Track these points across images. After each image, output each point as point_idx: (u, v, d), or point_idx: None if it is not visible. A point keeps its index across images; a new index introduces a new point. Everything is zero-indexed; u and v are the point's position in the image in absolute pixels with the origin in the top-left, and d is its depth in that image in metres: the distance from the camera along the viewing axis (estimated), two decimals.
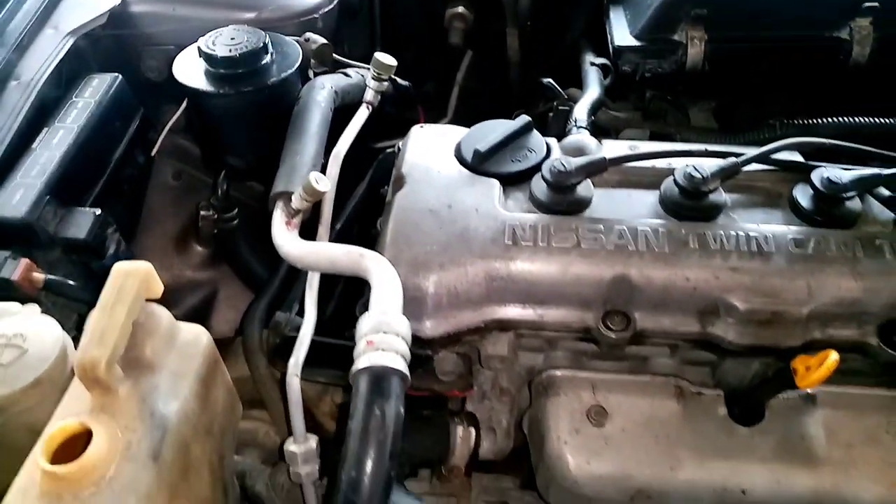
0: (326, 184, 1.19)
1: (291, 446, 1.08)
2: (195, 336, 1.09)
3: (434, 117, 2.02)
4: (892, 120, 1.54)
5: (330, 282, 1.40)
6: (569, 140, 1.38)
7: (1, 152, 1.32)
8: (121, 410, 0.95)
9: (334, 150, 1.26)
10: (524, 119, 1.36)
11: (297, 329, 1.17)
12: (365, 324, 1.01)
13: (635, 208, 1.28)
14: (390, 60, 1.42)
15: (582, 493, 1.19)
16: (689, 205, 1.25)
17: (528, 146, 1.35)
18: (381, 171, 1.59)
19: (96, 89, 1.47)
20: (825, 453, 1.20)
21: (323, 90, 1.46)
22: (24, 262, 1.18)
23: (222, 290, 1.58)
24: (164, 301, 1.04)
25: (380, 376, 0.95)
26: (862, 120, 1.55)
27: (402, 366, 0.97)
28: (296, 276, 1.50)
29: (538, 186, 1.28)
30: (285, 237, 1.18)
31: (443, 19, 2.12)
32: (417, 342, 1.16)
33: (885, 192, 1.29)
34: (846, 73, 1.64)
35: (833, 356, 1.08)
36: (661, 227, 1.23)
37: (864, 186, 1.27)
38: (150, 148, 1.55)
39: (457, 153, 1.37)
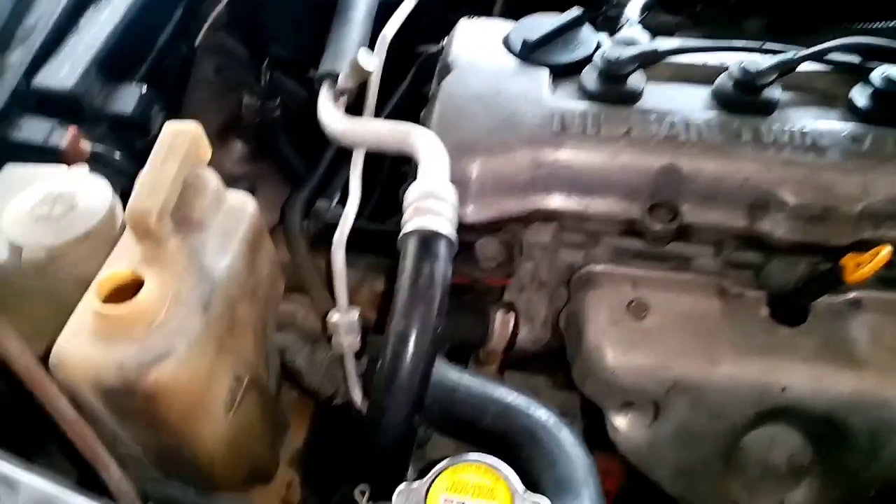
0: (374, 61, 1.17)
1: (334, 317, 1.09)
2: (242, 202, 1.09)
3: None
4: None
5: (371, 176, 1.39)
6: (621, 34, 1.34)
7: (49, 28, 1.31)
8: (171, 262, 0.96)
9: (381, 33, 1.23)
10: (576, 11, 1.33)
11: (338, 217, 1.17)
12: (413, 192, 1.01)
13: (687, 102, 1.24)
14: None
15: (619, 384, 1.19)
16: (744, 99, 1.22)
17: (579, 39, 1.32)
18: (424, 72, 1.56)
19: None
20: (868, 356, 1.19)
21: None
22: (72, 129, 1.18)
23: (261, 186, 1.57)
24: None
25: (428, 239, 0.95)
26: None
27: (450, 231, 0.97)
28: (336, 169, 1.49)
29: (589, 77, 1.25)
30: (331, 113, 1.17)
31: None
32: (459, 227, 1.15)
33: None
34: None
35: (887, 249, 1.06)
36: (714, 119, 1.20)
37: None
38: (194, 40, 1.54)
39: (505, 44, 1.34)
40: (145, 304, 0.89)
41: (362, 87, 1.24)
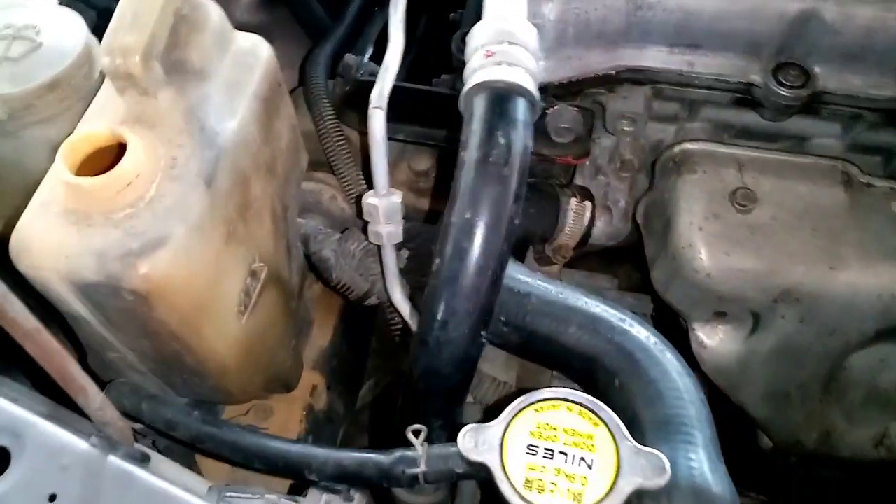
0: None
1: (371, 198, 0.87)
2: (253, 45, 0.84)
3: None
4: None
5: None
6: None
7: None
8: (163, 120, 0.73)
9: None
10: None
11: (373, 74, 0.92)
12: (480, 32, 0.76)
13: None
14: None
15: (714, 290, 0.98)
16: None
17: None
18: None
19: None
20: None
21: None
22: None
23: (277, 39, 1.30)
24: None
25: (503, 96, 0.71)
26: None
27: (532, 85, 0.73)
28: (367, 17, 1.22)
29: None
30: None
31: None
32: None
33: None
34: None
35: None
36: None
37: None
38: None
39: None
40: (128, 175, 0.67)
41: None
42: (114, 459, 0.60)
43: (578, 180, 1.07)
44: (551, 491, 0.56)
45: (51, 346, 0.57)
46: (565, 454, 0.58)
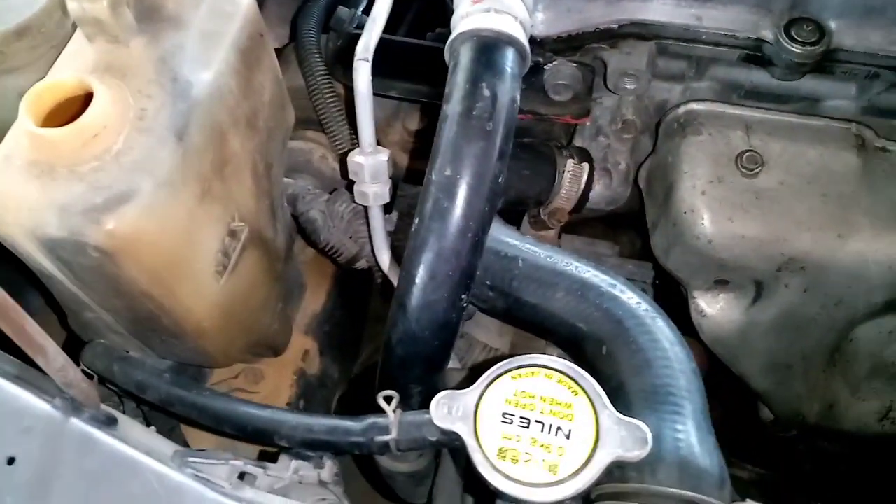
0: None
1: (357, 157, 0.83)
2: None
3: None
4: None
5: None
6: None
7: None
8: (133, 70, 0.70)
9: None
10: None
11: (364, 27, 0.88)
12: None
13: None
14: None
15: (716, 257, 0.94)
16: None
17: None
18: None
19: None
20: None
21: None
22: None
23: None
24: None
25: (490, 45, 0.67)
26: None
27: (521, 35, 0.68)
28: None
29: None
30: None
31: None
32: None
33: None
34: None
35: None
36: None
37: None
38: None
39: None
40: (94, 125, 0.64)
41: None
42: (76, 422, 0.58)
43: (578, 141, 1.02)
44: (526, 461, 0.53)
45: (5, 303, 0.54)
46: (542, 423, 0.55)
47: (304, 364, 1.17)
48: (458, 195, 0.62)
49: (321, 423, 0.62)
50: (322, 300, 1.22)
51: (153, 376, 0.68)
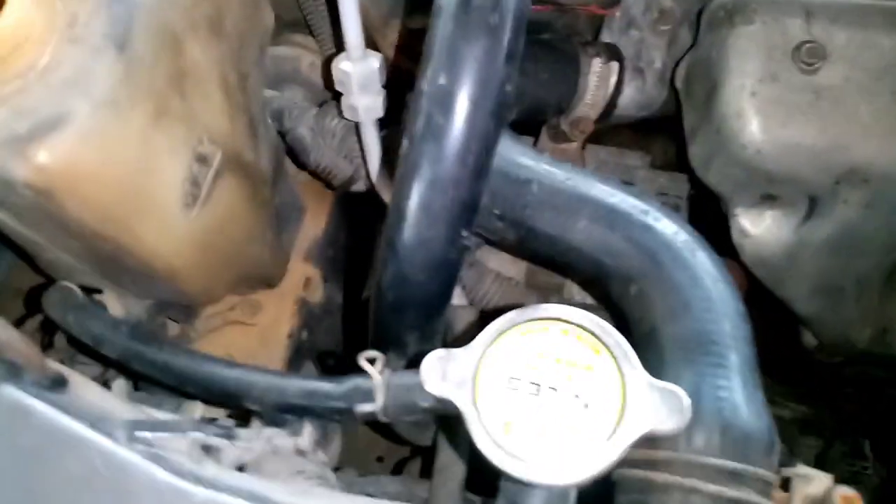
0: None
1: (344, 64, 0.71)
2: None
3: None
4: None
5: None
6: None
7: None
8: None
9: None
10: None
11: None
12: None
13: None
14: None
15: (765, 169, 0.81)
16: None
17: None
18: None
19: None
20: None
21: None
22: None
23: None
24: None
25: None
26: None
27: None
28: None
29: None
30: None
31: None
32: None
33: None
34: None
35: None
36: None
37: None
38: None
39: None
40: (14, 34, 0.53)
41: None
42: (10, 390, 0.50)
43: (605, 36, 0.88)
44: (537, 437, 0.44)
45: None
46: (556, 390, 0.45)
47: (305, 293, 1.08)
48: (455, 109, 0.50)
49: (296, 386, 0.53)
50: (323, 223, 1.12)
51: (110, 328, 0.60)
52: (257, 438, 0.51)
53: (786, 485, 0.53)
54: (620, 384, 0.45)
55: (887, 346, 1.00)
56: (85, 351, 0.66)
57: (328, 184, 0.92)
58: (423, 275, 0.55)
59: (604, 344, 0.46)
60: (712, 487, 0.48)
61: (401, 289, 0.56)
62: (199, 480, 0.45)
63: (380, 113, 0.75)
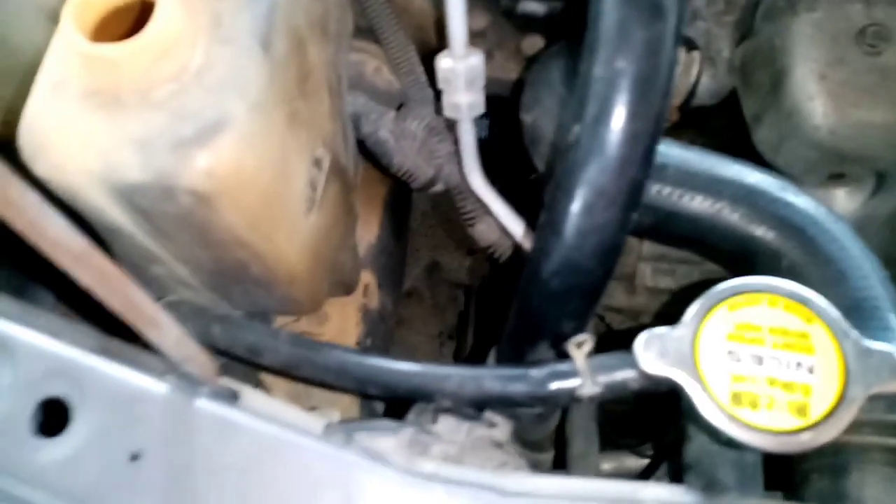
0: None
1: (448, 62, 0.71)
2: None
3: None
4: None
5: None
6: None
7: None
8: None
9: None
10: None
11: None
12: None
13: None
14: None
15: (837, 149, 0.84)
16: None
17: None
18: None
19: None
20: None
21: None
22: None
23: None
24: None
25: None
26: None
27: None
28: None
29: None
30: None
31: None
32: None
33: None
34: None
35: None
36: None
37: None
38: None
39: None
40: (165, 35, 0.51)
41: None
42: (203, 402, 0.48)
43: None
44: (767, 406, 0.45)
45: (107, 270, 0.43)
46: (777, 359, 0.46)
47: (365, 299, 1.07)
48: (633, 92, 0.51)
49: (493, 375, 0.52)
50: (375, 230, 1.11)
51: (269, 337, 0.58)
52: (459, 432, 0.50)
53: None
54: (837, 349, 0.46)
55: None
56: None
57: (398, 185, 0.91)
58: (593, 261, 0.55)
59: (813, 312, 0.47)
60: None
61: (568, 276, 0.56)
62: (430, 478, 0.44)
63: (481, 109, 0.75)
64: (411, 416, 0.51)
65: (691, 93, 0.86)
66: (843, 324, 0.47)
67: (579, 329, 0.61)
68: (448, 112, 0.75)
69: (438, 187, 0.89)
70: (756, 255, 0.61)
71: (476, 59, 0.72)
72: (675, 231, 0.64)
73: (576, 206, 0.53)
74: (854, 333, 0.47)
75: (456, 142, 0.82)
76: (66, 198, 0.56)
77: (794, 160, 0.89)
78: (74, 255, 0.41)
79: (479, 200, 0.87)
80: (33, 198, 0.38)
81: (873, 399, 0.50)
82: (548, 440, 0.79)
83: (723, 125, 0.99)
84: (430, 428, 0.50)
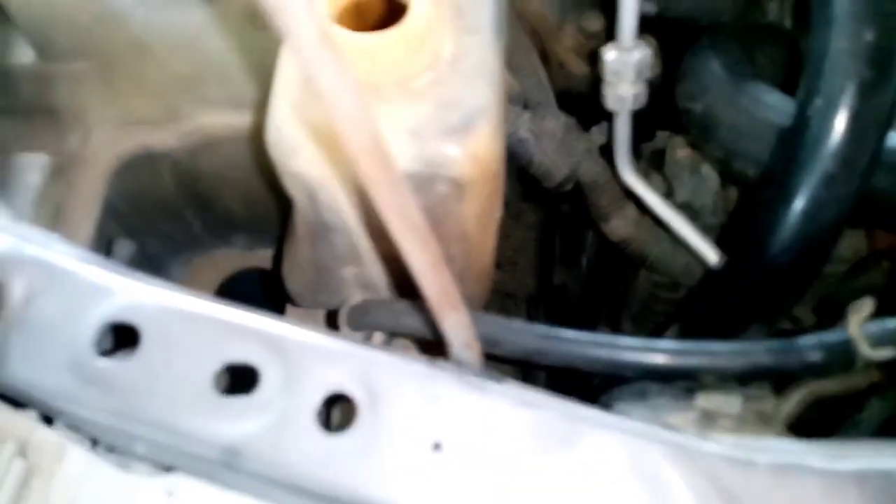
0: None
1: (616, 54, 0.72)
2: None
3: None
4: None
5: None
6: None
7: None
8: None
9: None
10: None
11: None
12: None
13: None
14: None
15: None
16: None
17: None
18: None
19: None
20: None
21: None
22: None
23: None
24: None
25: None
26: None
27: None
28: None
29: None
30: None
31: None
32: None
33: None
34: None
35: None
36: None
37: None
38: None
39: None
40: (422, 25, 0.51)
41: None
42: (496, 389, 0.47)
43: None
44: None
45: (436, 254, 0.43)
46: None
47: None
48: (880, 63, 0.52)
49: (763, 348, 0.52)
50: None
51: (509, 330, 0.56)
52: (736, 406, 0.49)
53: None
54: None
55: None
56: None
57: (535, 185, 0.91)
58: (829, 234, 0.56)
59: None
60: None
61: (801, 251, 0.57)
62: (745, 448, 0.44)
63: (644, 101, 0.76)
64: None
65: None
66: None
67: (795, 306, 0.62)
68: (611, 104, 0.76)
69: (569, 185, 0.90)
70: None
71: (644, 51, 0.73)
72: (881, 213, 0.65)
73: (814, 178, 0.55)
74: None
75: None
76: (305, 195, 0.55)
77: None
78: (420, 237, 0.41)
79: (614, 196, 0.88)
80: (397, 173, 0.38)
81: None
82: None
83: None
84: (714, 398, 0.50)
